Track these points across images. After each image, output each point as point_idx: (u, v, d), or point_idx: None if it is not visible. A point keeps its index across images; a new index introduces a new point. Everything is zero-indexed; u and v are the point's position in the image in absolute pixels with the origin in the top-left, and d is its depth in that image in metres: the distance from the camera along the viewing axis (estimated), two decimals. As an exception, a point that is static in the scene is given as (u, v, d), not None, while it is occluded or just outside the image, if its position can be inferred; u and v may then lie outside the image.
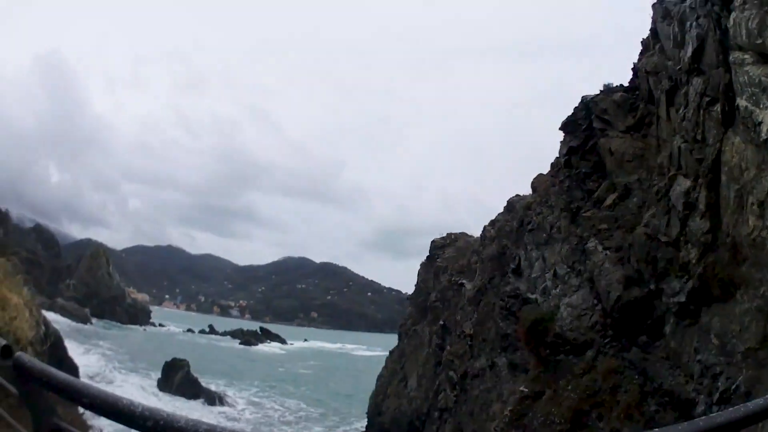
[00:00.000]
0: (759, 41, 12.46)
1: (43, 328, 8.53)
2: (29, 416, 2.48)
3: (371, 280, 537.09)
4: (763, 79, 12.33)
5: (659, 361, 17.73)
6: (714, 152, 15.51)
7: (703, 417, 2.47)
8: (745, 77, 13.13)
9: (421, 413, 41.88)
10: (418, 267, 56.01)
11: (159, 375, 65.80)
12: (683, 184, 17.17)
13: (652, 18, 22.61)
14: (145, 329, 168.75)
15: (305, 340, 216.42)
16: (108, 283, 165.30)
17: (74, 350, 58.82)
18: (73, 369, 40.20)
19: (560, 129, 27.87)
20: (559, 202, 26.34)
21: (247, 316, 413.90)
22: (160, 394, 61.36)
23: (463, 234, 54.77)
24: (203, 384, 65.21)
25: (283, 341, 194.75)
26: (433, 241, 54.97)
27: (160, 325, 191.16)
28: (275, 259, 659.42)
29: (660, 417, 16.37)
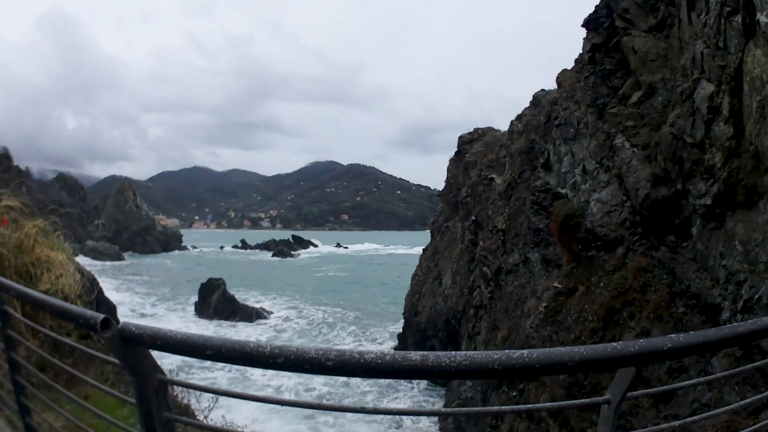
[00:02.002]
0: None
1: (78, 275, 9.03)
2: (133, 379, 2.66)
3: (400, 178, 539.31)
4: (783, -3, 12.29)
5: (687, 263, 18.25)
6: (736, 60, 15.50)
7: (728, 325, 3.00)
8: (765, -7, 13.07)
9: (457, 311, 42.90)
10: (446, 162, 56.18)
11: (196, 298, 66.97)
12: (707, 88, 17.20)
13: None
14: (178, 254, 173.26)
15: (337, 244, 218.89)
16: (136, 215, 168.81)
17: (109, 289, 60.58)
18: (111, 309, 40.97)
19: (582, 26, 27.64)
20: (585, 97, 26.41)
21: (278, 225, 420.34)
22: (200, 321, 62.28)
23: (490, 128, 54.73)
24: (240, 301, 66.39)
25: (315, 247, 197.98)
26: (460, 137, 55.02)
27: (193, 247, 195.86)
28: (303, 165, 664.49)
29: (687, 319, 17.01)
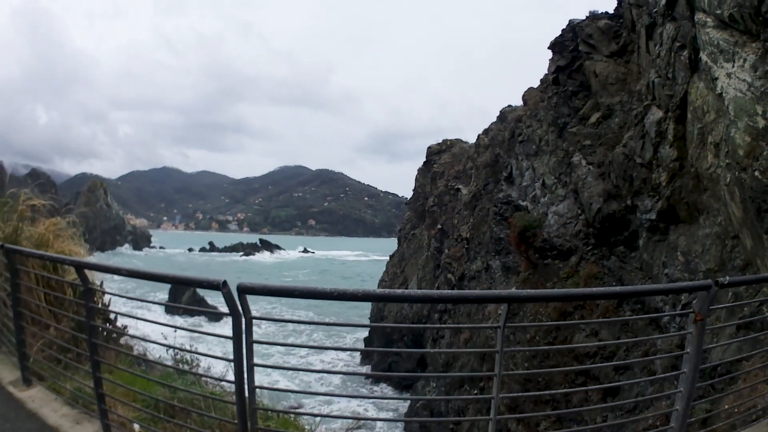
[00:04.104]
0: (719, 11, 13.93)
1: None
2: (234, 317, 4.37)
3: (367, 185, 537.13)
4: (721, 42, 13.86)
5: (633, 271, 20.04)
6: (682, 91, 17.20)
7: (570, 290, 5.47)
8: (707, 37, 14.66)
9: (422, 316, 44.21)
10: (413, 170, 58.11)
11: (166, 297, 66.39)
12: (656, 114, 18.95)
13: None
14: (146, 254, 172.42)
15: (304, 249, 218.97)
16: (107, 214, 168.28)
17: (81, 287, 60.23)
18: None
19: (549, 48, 29.36)
20: (547, 116, 28.12)
21: (245, 229, 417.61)
22: (167, 317, 60.95)
23: (458, 140, 56.44)
24: (209, 302, 65.11)
25: (282, 251, 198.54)
26: (429, 147, 56.73)
27: (161, 248, 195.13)
28: (271, 169, 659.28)
29: (633, 322, 18.63)
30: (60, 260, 7.41)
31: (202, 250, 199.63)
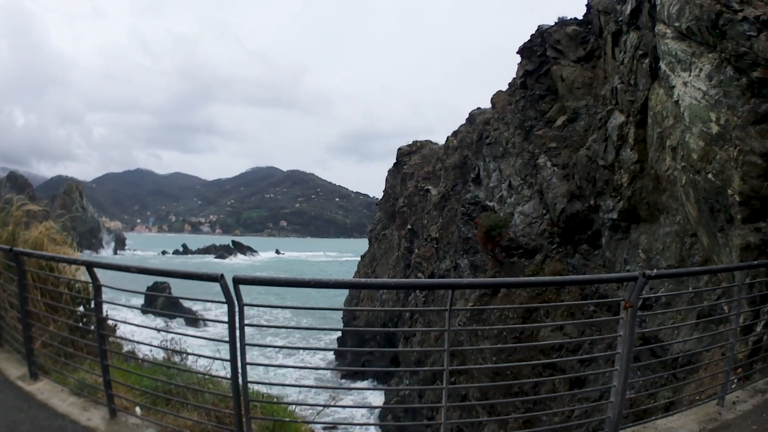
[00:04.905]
0: (677, 24, 14.68)
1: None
2: (229, 305, 4.94)
3: (338, 185, 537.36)
4: (679, 53, 14.62)
5: (597, 268, 20.88)
6: (643, 97, 18.05)
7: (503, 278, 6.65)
8: (666, 47, 15.46)
9: (394, 315, 44.86)
10: (385, 170, 58.65)
11: (142, 300, 65.05)
12: (618, 118, 19.81)
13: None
14: (120, 257, 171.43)
15: (276, 251, 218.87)
16: (83, 217, 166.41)
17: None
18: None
19: (517, 53, 30.10)
20: (514, 119, 28.86)
21: (217, 231, 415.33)
22: (146, 320, 60.99)
23: (428, 141, 57.21)
24: (185, 304, 65.93)
25: (254, 253, 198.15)
26: (399, 149, 57.41)
27: (135, 251, 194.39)
28: (243, 170, 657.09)
29: (596, 316, 19.42)
30: (71, 261, 8.00)
31: (176, 252, 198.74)
